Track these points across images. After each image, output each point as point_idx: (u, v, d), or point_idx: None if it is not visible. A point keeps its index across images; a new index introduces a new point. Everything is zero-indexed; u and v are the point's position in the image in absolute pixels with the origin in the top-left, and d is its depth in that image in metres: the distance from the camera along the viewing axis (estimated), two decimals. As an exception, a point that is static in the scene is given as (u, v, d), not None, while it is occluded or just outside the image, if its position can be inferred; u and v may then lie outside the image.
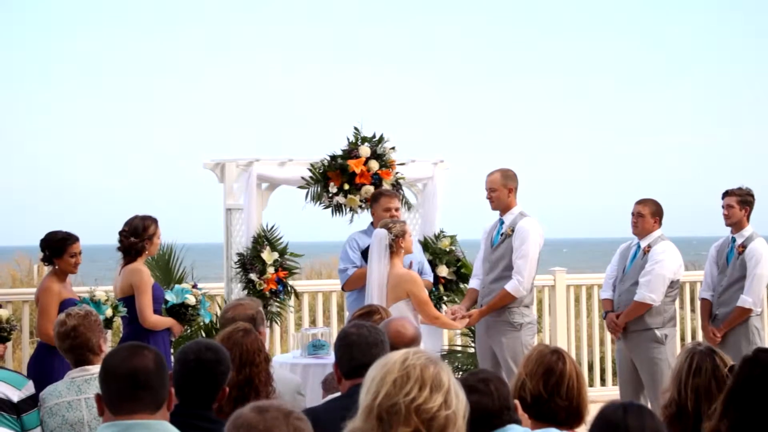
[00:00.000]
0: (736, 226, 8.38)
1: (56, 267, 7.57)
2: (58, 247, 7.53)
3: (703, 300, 8.61)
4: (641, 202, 8.33)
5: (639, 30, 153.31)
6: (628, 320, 8.12)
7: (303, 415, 3.08)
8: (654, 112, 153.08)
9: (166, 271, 9.47)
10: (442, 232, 9.01)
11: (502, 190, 8.12)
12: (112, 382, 3.61)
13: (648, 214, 8.25)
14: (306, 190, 8.61)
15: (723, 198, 8.42)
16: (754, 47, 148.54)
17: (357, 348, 4.68)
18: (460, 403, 3.18)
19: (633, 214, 8.31)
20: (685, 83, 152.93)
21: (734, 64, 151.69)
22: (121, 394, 3.58)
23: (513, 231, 8.07)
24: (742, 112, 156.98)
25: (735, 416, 3.86)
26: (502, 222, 8.19)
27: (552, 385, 4.28)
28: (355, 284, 8.08)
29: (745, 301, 8.22)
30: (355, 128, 8.63)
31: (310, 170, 8.59)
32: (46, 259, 7.60)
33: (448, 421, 3.13)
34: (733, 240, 8.41)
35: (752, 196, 8.39)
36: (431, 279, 8.45)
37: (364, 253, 7.93)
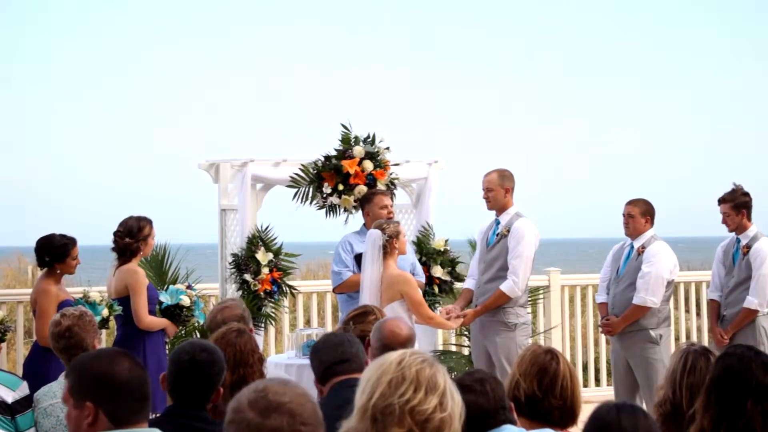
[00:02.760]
0: (738, 229, 8.36)
1: (58, 271, 7.55)
2: (60, 253, 7.52)
3: (711, 301, 8.58)
4: (631, 203, 8.31)
5: (639, 30, 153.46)
6: (628, 323, 8.11)
7: (312, 417, 2.87)
8: (654, 112, 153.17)
9: (160, 271, 9.45)
10: (428, 228, 8.93)
11: (498, 190, 8.13)
12: (123, 395, 3.32)
13: (639, 215, 8.23)
14: (295, 190, 8.60)
15: (719, 204, 8.37)
16: (754, 47, 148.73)
17: (323, 352, 4.88)
18: (455, 405, 3.16)
19: (624, 215, 8.30)
20: (685, 83, 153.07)
21: (735, 63, 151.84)
22: (130, 406, 3.32)
23: (509, 231, 8.08)
24: (742, 112, 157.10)
25: (717, 408, 3.88)
26: (498, 222, 8.20)
27: (546, 384, 4.29)
28: (347, 289, 8.07)
29: (750, 302, 8.19)
30: (344, 126, 8.63)
31: (301, 170, 8.58)
32: (46, 264, 7.56)
33: (443, 423, 3.11)
34: (738, 241, 8.36)
35: (747, 195, 8.30)
36: (423, 279, 8.45)
37: (358, 258, 7.93)
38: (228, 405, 2.88)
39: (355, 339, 5.01)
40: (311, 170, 8.56)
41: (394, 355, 3.20)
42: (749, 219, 8.33)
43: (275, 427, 2.80)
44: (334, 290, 8.32)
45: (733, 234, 8.39)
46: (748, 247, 8.27)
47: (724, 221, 8.34)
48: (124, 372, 3.33)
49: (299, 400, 2.85)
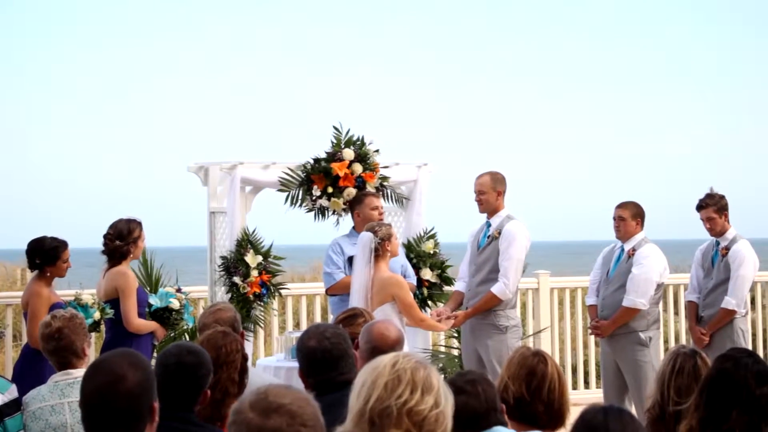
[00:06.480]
0: (719, 231, 8.40)
1: (48, 274, 7.54)
2: (51, 255, 7.50)
3: (689, 302, 8.63)
4: (622, 206, 8.34)
5: (639, 30, 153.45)
6: (617, 326, 8.13)
7: (312, 419, 2.87)
8: (653, 112, 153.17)
9: (148, 274, 9.44)
10: (424, 232, 8.97)
11: (490, 193, 8.14)
12: (100, 414, 3.34)
13: (629, 217, 8.26)
14: (287, 193, 8.60)
15: (699, 211, 8.40)
16: (754, 47, 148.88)
17: (320, 364, 4.89)
18: (448, 403, 3.20)
19: (614, 218, 8.32)
20: (685, 83, 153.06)
21: (734, 64, 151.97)
22: (112, 427, 3.32)
23: (500, 234, 8.09)
24: (742, 113, 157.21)
25: (705, 409, 3.90)
26: (488, 224, 8.21)
27: (534, 387, 4.30)
28: (340, 290, 8.07)
29: (728, 302, 8.24)
30: (335, 128, 8.64)
31: (286, 173, 8.58)
32: (37, 267, 7.55)
33: (439, 422, 3.15)
34: (717, 243, 8.42)
35: (724, 197, 8.38)
36: (414, 281, 8.46)
37: (351, 261, 7.92)
38: (231, 408, 2.92)
39: (350, 348, 4.98)
40: (300, 173, 8.57)
41: (386, 358, 3.22)
42: (728, 221, 8.39)
43: (275, 427, 2.82)
44: (326, 292, 8.33)
45: (713, 237, 8.44)
46: (727, 249, 8.33)
47: (710, 226, 8.36)
48: (120, 394, 3.36)
49: (300, 403, 2.88)
